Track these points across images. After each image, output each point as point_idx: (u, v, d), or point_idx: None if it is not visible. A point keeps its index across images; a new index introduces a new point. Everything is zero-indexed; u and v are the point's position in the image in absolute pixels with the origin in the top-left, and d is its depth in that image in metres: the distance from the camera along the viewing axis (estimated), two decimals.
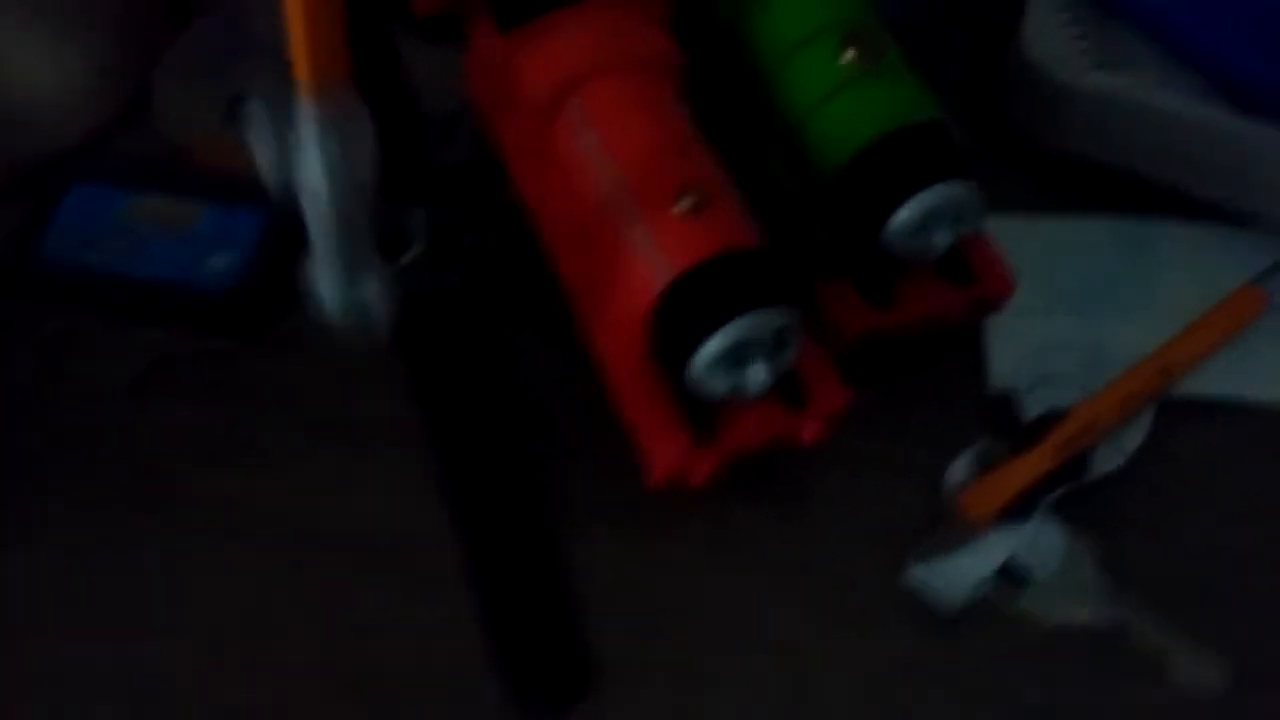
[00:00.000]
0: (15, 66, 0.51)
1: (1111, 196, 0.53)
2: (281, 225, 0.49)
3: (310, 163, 0.37)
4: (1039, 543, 0.44)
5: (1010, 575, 0.44)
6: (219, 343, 0.47)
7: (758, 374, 0.41)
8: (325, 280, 0.38)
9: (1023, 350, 0.49)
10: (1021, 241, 0.52)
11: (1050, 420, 0.46)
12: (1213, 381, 0.49)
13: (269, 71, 0.52)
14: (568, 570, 0.43)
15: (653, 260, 0.41)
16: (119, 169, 0.50)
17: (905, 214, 0.43)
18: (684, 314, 0.41)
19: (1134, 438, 0.47)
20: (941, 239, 0.44)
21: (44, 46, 0.52)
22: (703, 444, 0.42)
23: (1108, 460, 0.46)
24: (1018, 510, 0.45)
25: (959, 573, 0.43)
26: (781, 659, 0.42)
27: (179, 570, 0.43)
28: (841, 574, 0.44)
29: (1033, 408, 0.47)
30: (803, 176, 0.46)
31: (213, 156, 0.51)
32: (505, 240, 0.49)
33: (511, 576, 0.43)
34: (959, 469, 0.45)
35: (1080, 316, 0.51)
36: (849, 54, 0.45)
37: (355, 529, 0.44)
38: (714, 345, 0.40)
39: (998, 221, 0.52)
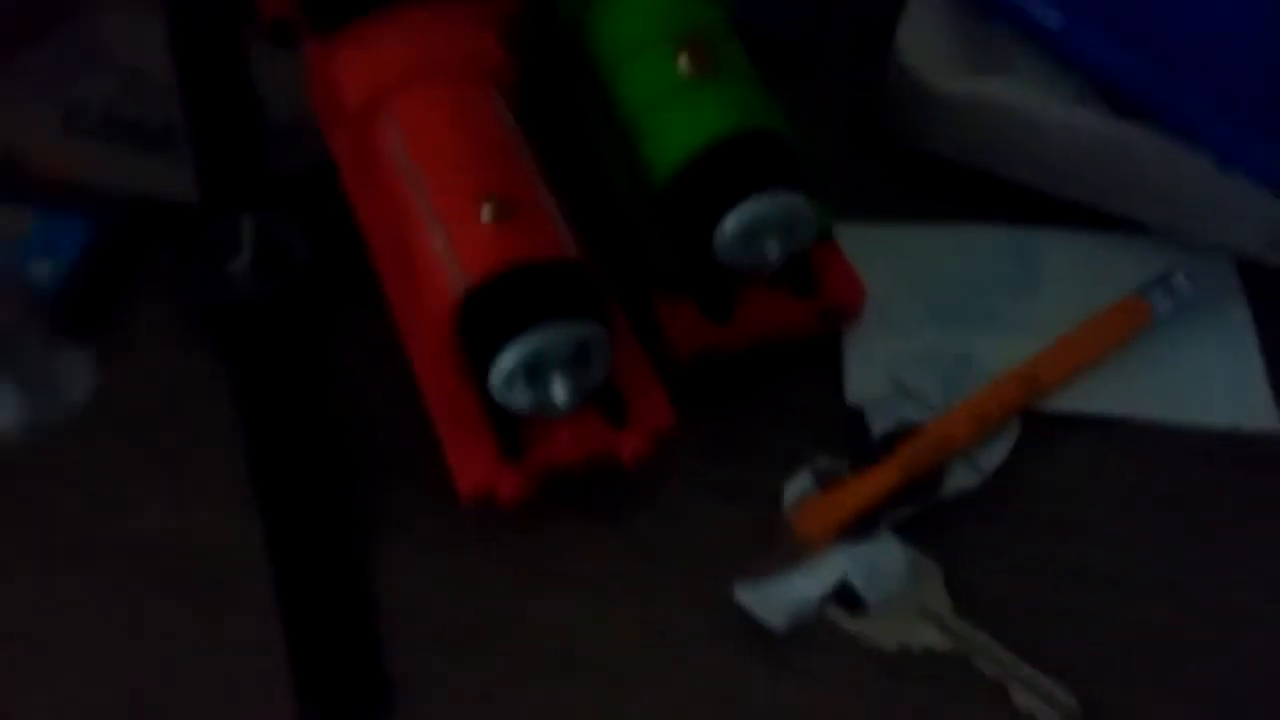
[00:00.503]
0: None
1: (998, 205, 0.51)
2: (107, 235, 0.48)
3: None
4: (878, 564, 0.42)
5: (844, 597, 0.41)
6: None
7: (559, 389, 0.39)
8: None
9: (881, 364, 0.47)
10: (894, 250, 0.50)
11: (899, 436, 0.44)
12: (1089, 398, 0.47)
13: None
14: (377, 587, 0.41)
15: (451, 270, 0.39)
16: None
17: (731, 223, 0.41)
18: (481, 326, 0.39)
19: (994, 456, 0.44)
20: (773, 250, 0.42)
21: None
22: (512, 460, 0.40)
23: (963, 479, 0.44)
24: (857, 530, 0.42)
25: (786, 593, 0.41)
26: (593, 683, 0.40)
27: None
28: (663, 596, 0.41)
29: (882, 423, 0.45)
30: (638, 186, 0.44)
31: (52, 166, 0.50)
32: (340, 251, 0.47)
33: (315, 593, 0.41)
34: (796, 486, 0.43)
35: (950, 329, 0.48)
36: (683, 60, 0.43)
37: (165, 544, 0.43)
38: (507, 359, 0.38)
39: (870, 229, 0.50)
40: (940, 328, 0.48)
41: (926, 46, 0.51)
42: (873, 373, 0.46)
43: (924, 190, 0.52)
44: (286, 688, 0.39)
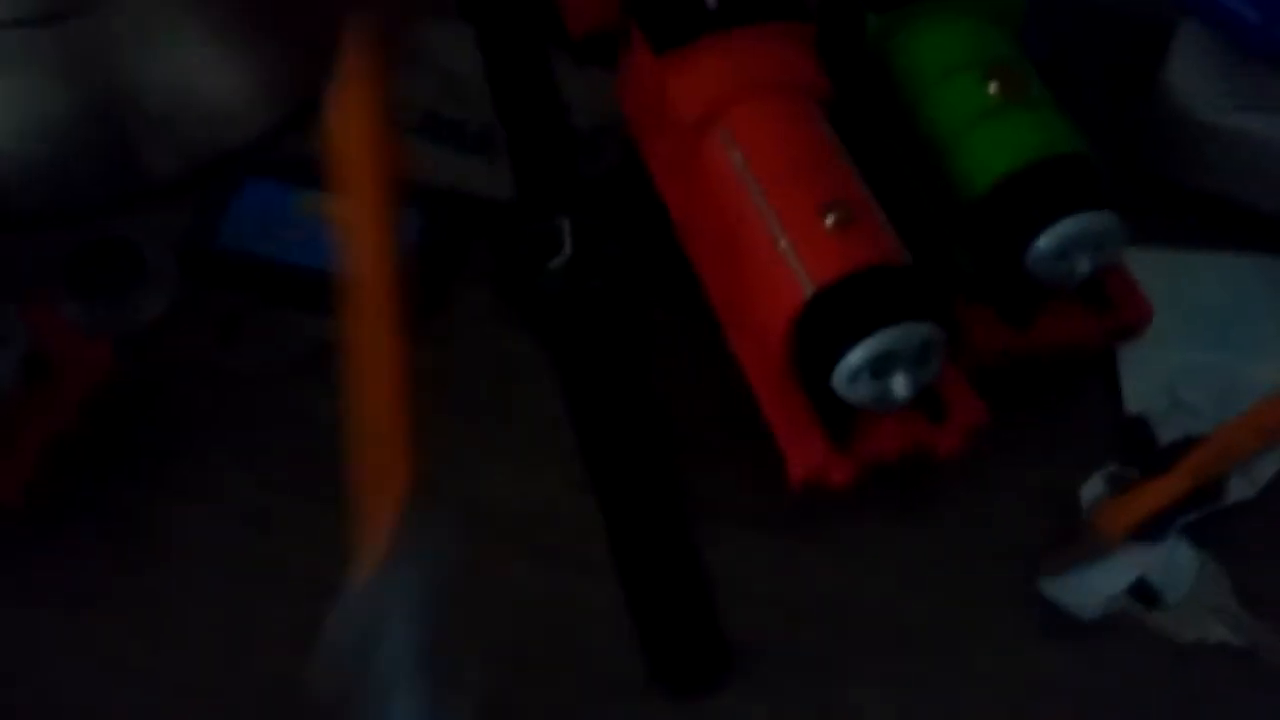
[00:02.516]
0: (201, 69, 0.55)
1: (1257, 237, 0.54)
2: (441, 225, 0.52)
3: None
4: (1171, 564, 0.45)
5: (1142, 593, 0.44)
6: None
7: (900, 385, 0.42)
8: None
9: (1157, 378, 0.50)
10: (1162, 273, 0.53)
11: (1185, 446, 0.47)
12: None
13: None
14: (708, 564, 0.45)
15: (796, 273, 0.43)
16: (288, 166, 0.53)
17: (1046, 240, 0.44)
18: (827, 325, 0.42)
19: (1267, 469, 0.47)
20: (1082, 266, 0.45)
21: (227, 50, 0.56)
22: (841, 449, 0.44)
23: (1240, 489, 0.47)
24: (1150, 531, 0.45)
25: (1090, 587, 0.44)
26: (920, 655, 0.43)
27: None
28: (973, 584, 0.45)
29: (1168, 433, 0.48)
30: (945, 201, 0.48)
31: None
32: (649, 248, 0.51)
33: (653, 564, 0.45)
34: (1092, 487, 0.46)
35: (1215, 350, 0.51)
36: (994, 85, 0.47)
37: (516, 512, 0.46)
38: (859, 354, 0.41)
39: (1139, 253, 0.52)
40: (1206, 349, 0.51)
41: (1195, 81, 0.54)
42: (1149, 386, 0.50)
43: (1183, 221, 0.55)
44: (633, 649, 0.43)
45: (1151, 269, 0.53)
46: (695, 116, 0.47)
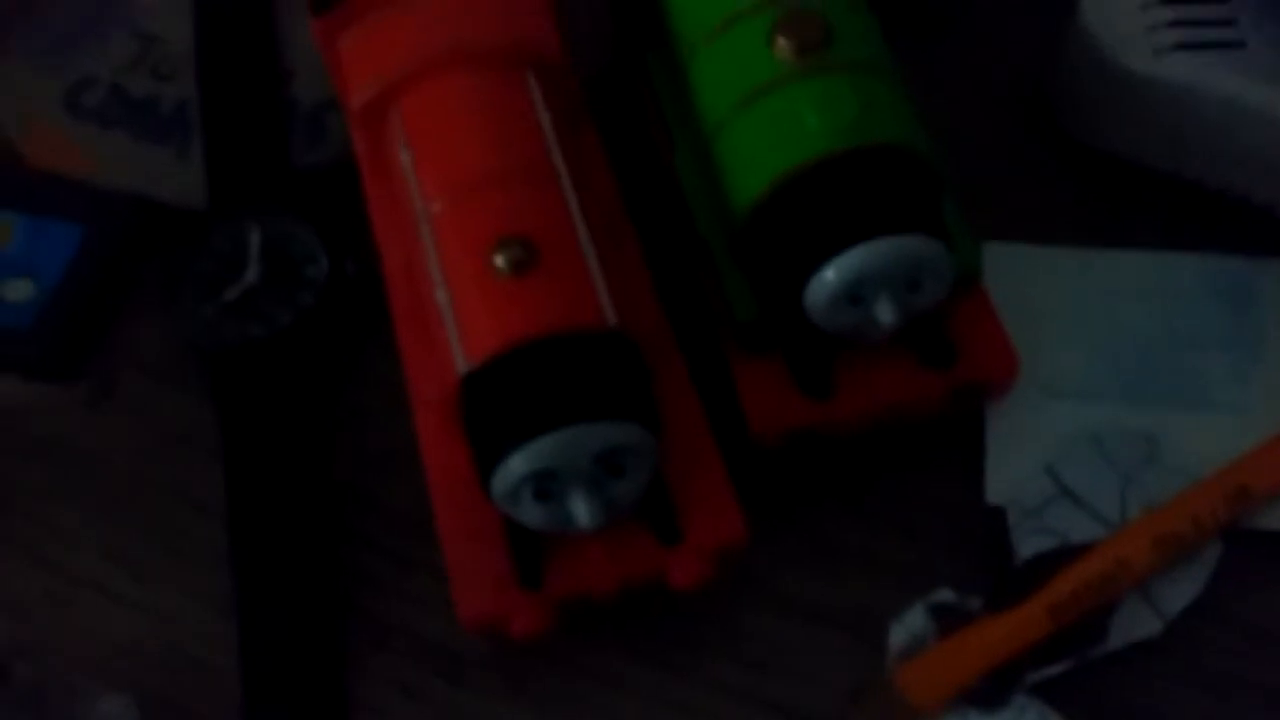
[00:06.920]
0: None
1: (1207, 228, 0.39)
2: (105, 240, 0.40)
3: None
4: None
5: None
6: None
7: (580, 510, 0.29)
8: None
9: (1039, 451, 0.35)
10: (1063, 281, 0.38)
11: (1052, 561, 0.33)
12: None
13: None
14: (357, 710, 0.33)
15: (452, 340, 0.30)
16: None
17: (827, 277, 0.30)
18: (483, 420, 0.29)
19: (1182, 593, 0.33)
20: (884, 314, 0.31)
21: None
22: (529, 586, 0.31)
23: (1137, 624, 0.33)
24: (985, 695, 0.32)
25: None
26: None
27: None
28: None
29: (1031, 539, 0.34)
30: (719, 217, 0.34)
31: (49, 155, 0.42)
32: (366, 271, 0.38)
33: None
34: (906, 628, 0.32)
35: (1135, 399, 0.37)
36: (781, 43, 0.32)
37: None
38: (513, 469, 0.28)
39: (1032, 250, 0.39)
40: (1116, 399, 0.37)
41: (1118, 14, 0.39)
42: (1024, 463, 0.35)
43: (1107, 201, 0.40)
44: None
45: (1051, 273, 0.38)
46: (366, 100, 0.34)
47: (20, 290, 0.39)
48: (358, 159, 0.37)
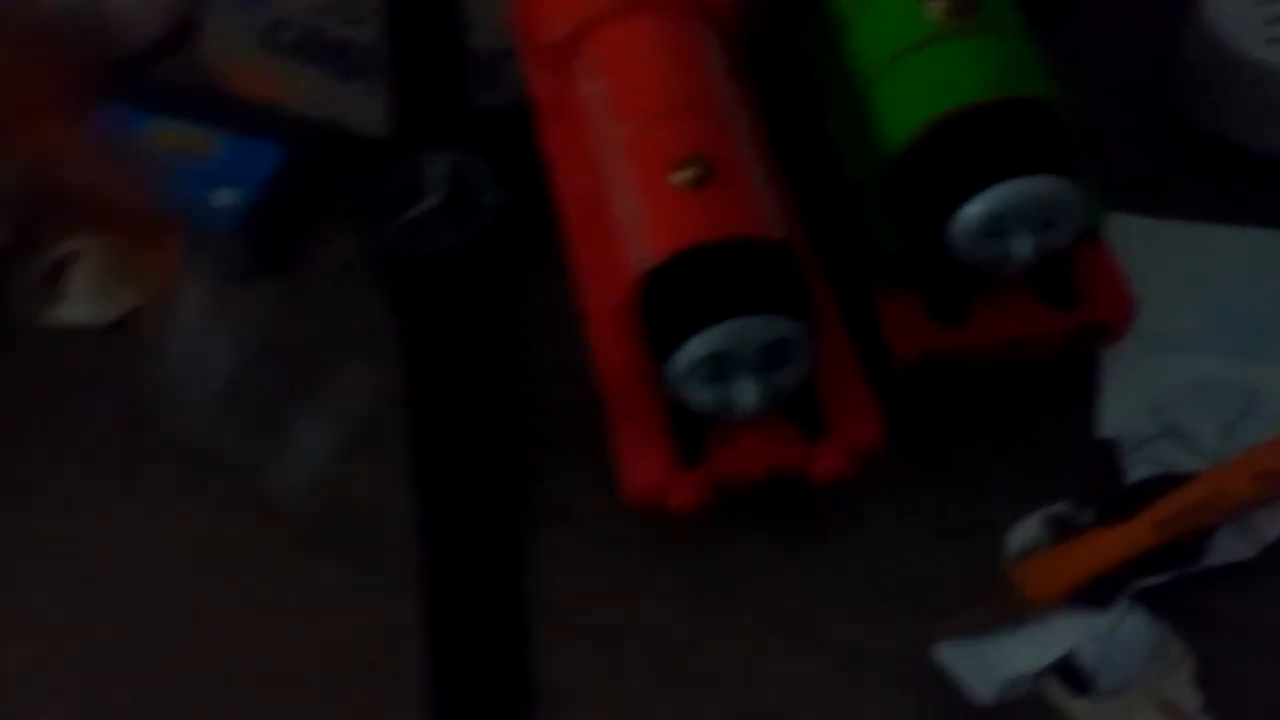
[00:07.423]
0: None
1: None
2: (301, 162, 0.44)
3: None
4: (1115, 640, 0.34)
5: (1069, 675, 0.34)
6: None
7: (744, 393, 0.33)
8: None
9: (1149, 393, 0.39)
10: (1174, 251, 0.42)
11: (1159, 486, 0.36)
12: None
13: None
14: (538, 582, 0.37)
15: (636, 242, 0.34)
16: (149, 92, 0.46)
17: (972, 211, 0.34)
18: (662, 311, 0.33)
19: (1276, 524, 0.36)
20: (1021, 248, 0.34)
21: None
22: (689, 465, 0.35)
23: (1233, 548, 0.36)
24: (1094, 595, 0.35)
25: (998, 661, 0.34)
26: None
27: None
28: (853, 643, 0.35)
29: (1140, 467, 0.37)
30: (867, 156, 0.38)
31: (250, 84, 0.47)
32: (536, 201, 0.42)
33: (467, 585, 0.37)
34: (1024, 533, 0.36)
35: (1237, 357, 0.40)
36: (935, 4, 0.36)
37: (324, 505, 0.39)
38: (688, 353, 0.32)
39: (1146, 223, 0.42)
40: (1224, 354, 0.40)
41: (1237, 8, 0.42)
42: (1136, 403, 0.38)
43: (1217, 182, 0.43)
44: (420, 679, 0.36)
45: (1163, 244, 0.42)
46: (557, 40, 0.38)
47: (227, 197, 0.44)
48: (535, 98, 0.42)
